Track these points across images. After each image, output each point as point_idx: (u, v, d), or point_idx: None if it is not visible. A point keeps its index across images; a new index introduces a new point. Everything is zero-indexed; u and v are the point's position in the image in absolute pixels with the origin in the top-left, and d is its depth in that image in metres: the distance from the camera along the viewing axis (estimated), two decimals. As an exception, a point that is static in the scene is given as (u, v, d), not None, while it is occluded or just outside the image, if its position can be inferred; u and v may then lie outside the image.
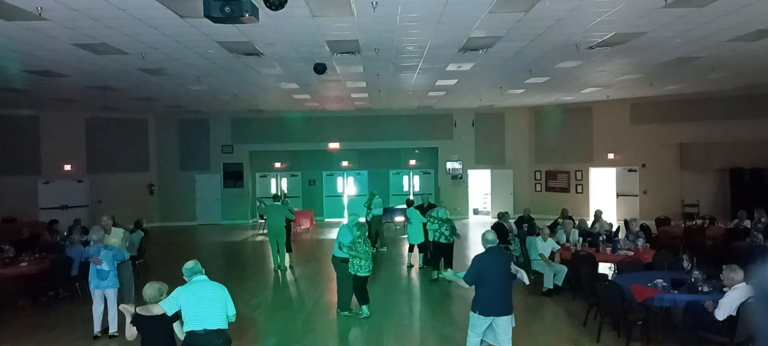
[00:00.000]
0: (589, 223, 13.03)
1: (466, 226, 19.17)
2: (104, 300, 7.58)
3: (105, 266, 7.43)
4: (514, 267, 5.99)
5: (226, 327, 5.09)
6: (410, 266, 12.21)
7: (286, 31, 8.61)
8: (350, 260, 8.27)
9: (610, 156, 19.15)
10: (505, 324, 5.68)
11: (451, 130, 21.20)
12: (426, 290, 10.37)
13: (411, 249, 12.36)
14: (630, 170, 18.95)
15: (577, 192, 19.92)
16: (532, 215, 13.11)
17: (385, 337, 7.66)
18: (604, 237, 10.54)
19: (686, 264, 7.69)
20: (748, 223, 11.92)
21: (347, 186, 22.23)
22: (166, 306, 4.94)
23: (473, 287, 5.80)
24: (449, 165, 21.30)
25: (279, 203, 12.85)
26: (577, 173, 19.96)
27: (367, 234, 8.69)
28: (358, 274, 8.23)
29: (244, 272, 12.35)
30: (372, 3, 7.05)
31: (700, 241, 11.32)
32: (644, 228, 11.43)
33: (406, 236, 12.89)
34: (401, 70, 12.28)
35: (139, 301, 5.15)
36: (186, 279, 5.21)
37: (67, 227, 13.10)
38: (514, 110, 20.84)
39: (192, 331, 4.90)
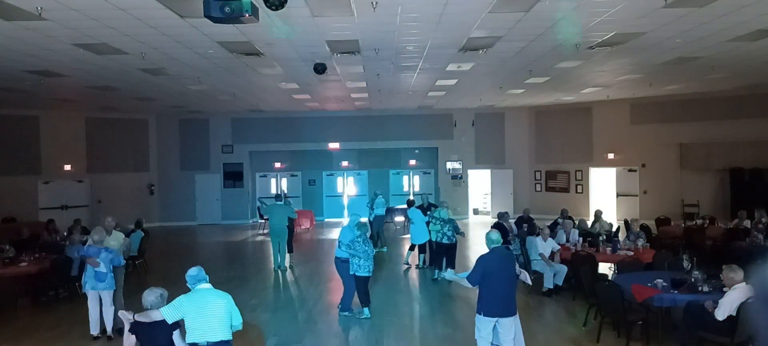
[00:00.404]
0: (589, 223, 13.04)
1: (466, 226, 19.15)
2: (99, 302, 7.51)
3: (102, 268, 7.40)
4: (517, 268, 5.98)
5: (230, 338, 4.88)
6: (408, 267, 12.18)
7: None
8: (350, 259, 8.27)
9: (610, 156, 19.15)
10: (508, 325, 5.66)
11: (451, 130, 21.20)
12: (426, 290, 10.36)
13: (411, 248, 12.35)
14: (630, 170, 18.95)
15: (577, 192, 19.92)
16: (531, 215, 13.12)
17: (385, 337, 7.66)
18: (604, 237, 10.55)
19: (686, 264, 7.69)
20: (748, 223, 11.91)
21: (347, 186, 22.24)
22: (166, 313, 4.72)
23: (476, 287, 5.80)
24: (449, 165, 21.31)
25: (281, 203, 12.84)
26: (577, 172, 19.96)
27: (368, 234, 8.68)
28: (357, 274, 8.24)
29: (244, 272, 12.35)
30: (372, 3, 7.05)
31: (700, 241, 11.31)
32: (644, 228, 11.43)
33: (406, 235, 12.90)
34: (401, 70, 12.28)
35: (128, 306, 5.04)
36: (189, 287, 4.97)
37: (66, 227, 13.10)
38: (514, 110, 20.84)
39: (194, 344, 4.72)
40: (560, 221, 11.95)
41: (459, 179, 21.33)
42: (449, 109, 20.66)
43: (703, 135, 17.13)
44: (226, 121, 20.90)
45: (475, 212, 22.11)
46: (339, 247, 8.61)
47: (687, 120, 17.39)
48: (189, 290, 4.98)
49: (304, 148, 21.24)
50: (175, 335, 4.79)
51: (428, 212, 11.87)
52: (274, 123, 20.74)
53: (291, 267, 12.45)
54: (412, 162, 22.25)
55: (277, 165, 21.99)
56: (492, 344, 5.83)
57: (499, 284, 5.64)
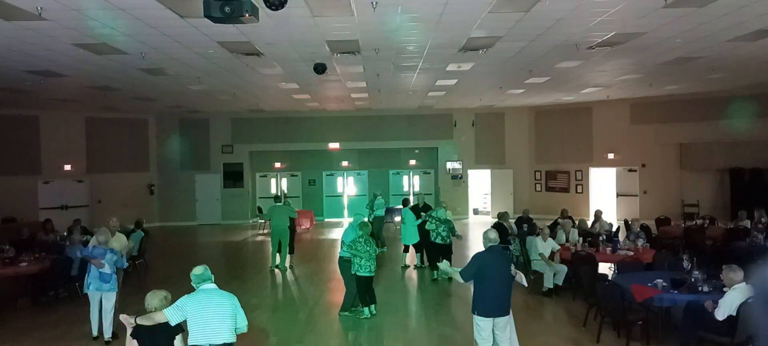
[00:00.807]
0: (589, 223, 13.03)
1: (466, 226, 19.17)
2: (100, 304, 7.40)
3: (107, 269, 7.34)
4: (513, 269, 5.97)
5: (234, 341, 4.78)
6: (405, 267, 12.15)
7: (286, 31, 8.61)
8: (352, 259, 8.29)
9: (610, 156, 19.15)
10: (502, 325, 5.66)
11: (451, 130, 21.20)
12: (426, 290, 10.37)
13: (405, 249, 12.33)
14: (630, 170, 18.96)
15: (577, 192, 19.92)
16: (530, 216, 13.12)
17: (385, 337, 7.66)
18: (604, 237, 10.55)
19: (686, 264, 7.69)
20: (748, 223, 11.91)
21: (347, 186, 22.24)
22: (169, 315, 4.61)
23: (470, 285, 5.79)
24: (449, 165, 21.31)
25: (281, 204, 12.84)
26: (577, 173, 19.96)
27: (369, 234, 8.70)
28: (358, 274, 8.25)
29: (244, 272, 12.36)
30: (372, 3, 7.05)
31: (700, 241, 11.32)
32: (644, 228, 11.43)
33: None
34: (401, 70, 12.28)
35: (128, 305, 4.90)
36: (194, 286, 4.86)
37: (66, 227, 13.09)
38: (514, 110, 20.84)
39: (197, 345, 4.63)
40: (560, 221, 11.96)
41: (459, 179, 21.33)
42: (449, 109, 20.65)
43: (703, 135, 17.13)
44: (226, 121, 20.90)
45: (475, 212, 22.10)
46: (342, 247, 8.63)
47: (687, 120, 17.38)
48: (191, 290, 4.88)
49: (304, 148, 21.24)
50: (177, 339, 4.69)
51: (423, 213, 11.87)
52: (274, 123, 20.74)
53: (291, 267, 12.45)
54: (412, 162, 22.25)
55: (277, 165, 22.00)
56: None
57: (495, 284, 5.63)
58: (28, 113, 17.60)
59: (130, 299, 8.74)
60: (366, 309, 8.42)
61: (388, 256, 13.77)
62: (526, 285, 6.51)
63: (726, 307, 5.83)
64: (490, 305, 5.62)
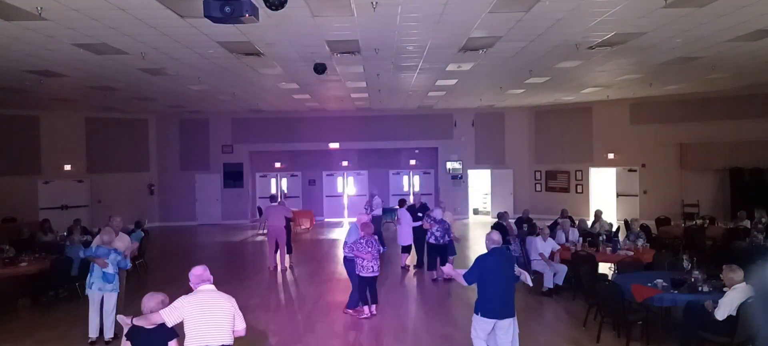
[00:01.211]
0: (589, 223, 13.04)
1: (466, 226, 19.17)
2: (101, 304, 7.36)
3: (110, 269, 7.31)
4: (517, 269, 5.97)
5: (232, 343, 4.68)
6: (406, 268, 12.10)
7: (286, 31, 8.61)
8: (354, 259, 8.33)
9: (610, 156, 19.15)
10: (505, 327, 5.65)
11: (451, 130, 21.20)
12: (425, 290, 10.37)
13: (403, 250, 12.27)
14: (630, 170, 18.96)
15: (577, 192, 19.92)
16: (530, 216, 13.11)
17: (385, 337, 7.66)
18: (604, 237, 10.55)
19: (686, 264, 7.69)
20: (748, 223, 11.92)
21: (347, 186, 22.25)
22: (166, 316, 4.51)
23: (473, 287, 5.79)
24: (449, 165, 21.31)
25: (275, 204, 12.83)
26: (577, 172, 19.97)
27: (372, 233, 8.71)
28: (360, 274, 8.28)
29: (244, 271, 12.36)
30: (372, 3, 7.05)
31: (700, 241, 11.32)
32: (644, 228, 11.44)
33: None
34: (401, 70, 12.28)
35: (128, 305, 4.82)
36: (192, 286, 4.77)
37: (66, 227, 13.09)
38: (514, 110, 20.84)
39: None
40: (559, 221, 11.96)
41: (459, 179, 21.33)
42: (449, 109, 20.65)
43: (703, 135, 17.14)
44: (226, 121, 20.90)
45: (475, 212, 22.12)
46: (344, 247, 8.68)
47: (687, 120, 17.39)
48: (191, 290, 4.82)
49: (304, 148, 21.24)
50: (172, 343, 4.61)
51: (420, 213, 11.85)
52: (274, 123, 20.74)
53: (290, 267, 12.45)
54: (412, 162, 22.25)
55: (277, 165, 22.00)
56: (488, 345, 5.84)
57: (498, 286, 5.62)
58: (28, 113, 17.60)
59: (130, 299, 8.73)
60: (366, 309, 8.43)
61: (388, 256, 13.76)
62: (531, 284, 6.50)
63: (726, 307, 5.83)
64: (493, 306, 5.61)
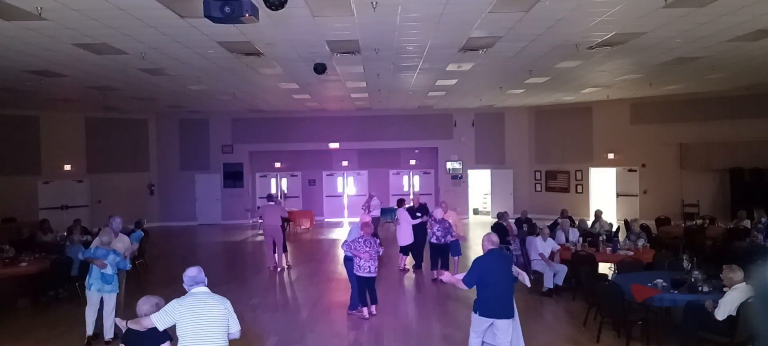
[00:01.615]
0: (589, 223, 13.03)
1: (465, 226, 19.15)
2: (99, 305, 7.35)
3: (109, 270, 7.31)
4: (515, 269, 5.98)
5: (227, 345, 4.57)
6: (402, 271, 11.99)
7: (286, 31, 8.61)
8: (353, 259, 8.33)
9: (610, 156, 19.16)
10: (505, 327, 5.66)
11: (451, 130, 21.20)
12: (425, 290, 10.36)
13: (401, 250, 12.21)
14: (630, 170, 18.96)
15: (577, 192, 19.92)
16: (529, 216, 13.11)
17: (385, 337, 7.66)
18: (604, 237, 10.55)
19: (686, 264, 7.69)
20: (748, 223, 11.92)
21: (347, 186, 22.25)
22: (157, 320, 4.38)
23: (473, 288, 5.80)
24: (449, 165, 21.31)
25: (272, 203, 12.83)
26: (577, 172, 19.97)
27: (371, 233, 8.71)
28: (358, 274, 8.29)
29: (244, 271, 12.36)
30: (372, 3, 7.05)
31: (700, 241, 11.32)
32: (644, 228, 11.43)
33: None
34: (401, 70, 12.28)
35: (127, 305, 4.80)
36: (186, 288, 4.63)
37: (65, 227, 13.08)
38: (514, 110, 20.84)
39: None
40: (559, 221, 11.97)
41: (459, 179, 21.33)
42: (449, 109, 20.65)
43: (703, 135, 17.14)
44: (226, 121, 20.90)
45: (475, 212, 22.12)
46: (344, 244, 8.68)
47: (687, 120, 17.39)
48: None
49: (304, 148, 21.24)
50: None
51: (418, 214, 11.83)
52: (274, 123, 20.74)
53: (288, 267, 12.44)
54: (412, 162, 22.25)
55: (277, 165, 22.00)
56: (488, 344, 5.85)
57: (496, 286, 5.65)
58: (28, 113, 17.59)
59: (129, 299, 8.71)
60: (365, 309, 8.43)
61: (387, 256, 13.74)
62: (528, 285, 6.50)
63: (726, 307, 5.83)
64: (490, 306, 5.65)
